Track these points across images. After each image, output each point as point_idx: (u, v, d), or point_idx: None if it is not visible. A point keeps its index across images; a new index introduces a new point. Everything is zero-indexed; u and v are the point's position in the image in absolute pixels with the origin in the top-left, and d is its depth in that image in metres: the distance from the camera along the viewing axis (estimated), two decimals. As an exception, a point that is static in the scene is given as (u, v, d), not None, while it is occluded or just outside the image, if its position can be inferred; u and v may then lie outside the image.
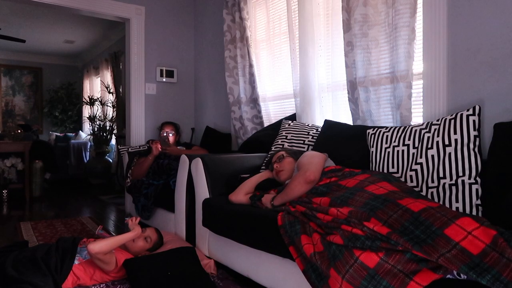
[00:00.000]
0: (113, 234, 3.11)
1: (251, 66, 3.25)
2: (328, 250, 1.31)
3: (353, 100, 2.35)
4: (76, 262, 1.96)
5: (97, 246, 1.87)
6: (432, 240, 1.10)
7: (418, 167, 1.73)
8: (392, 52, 2.14)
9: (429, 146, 1.71)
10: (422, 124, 1.81)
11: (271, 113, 3.26)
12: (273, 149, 2.56)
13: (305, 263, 1.41)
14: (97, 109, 6.78)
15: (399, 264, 1.15)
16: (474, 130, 1.63)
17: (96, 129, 6.40)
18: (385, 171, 1.86)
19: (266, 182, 2.13)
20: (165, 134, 3.34)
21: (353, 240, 1.26)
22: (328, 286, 1.27)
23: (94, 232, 2.98)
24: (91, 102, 6.72)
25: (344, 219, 1.35)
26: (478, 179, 1.57)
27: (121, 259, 2.01)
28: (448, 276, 1.12)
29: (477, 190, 1.56)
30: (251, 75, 3.26)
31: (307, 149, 2.44)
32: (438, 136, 1.70)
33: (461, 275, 1.10)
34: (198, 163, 2.34)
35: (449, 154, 1.64)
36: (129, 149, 3.79)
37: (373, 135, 2.00)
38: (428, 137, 1.73)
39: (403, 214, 1.22)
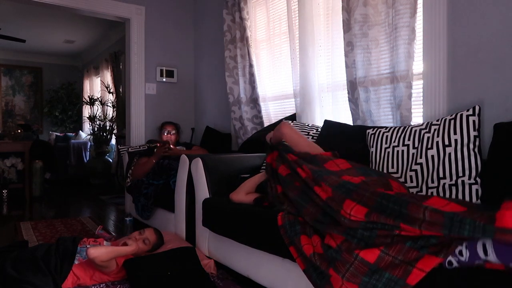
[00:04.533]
0: (113, 234, 3.11)
1: (251, 66, 3.25)
2: (327, 253, 1.32)
3: (353, 100, 2.35)
4: (76, 262, 1.96)
5: (96, 252, 1.87)
6: (406, 209, 1.13)
7: (418, 167, 1.73)
8: (392, 52, 2.14)
9: (429, 146, 1.71)
10: (422, 124, 1.81)
11: (271, 113, 3.26)
12: (273, 149, 2.56)
13: (306, 262, 1.42)
14: (97, 109, 6.78)
15: (400, 255, 1.14)
16: (474, 130, 1.63)
17: (96, 129, 6.40)
18: (385, 171, 1.86)
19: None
20: (167, 136, 3.34)
21: (351, 233, 1.26)
22: (330, 284, 1.27)
23: (94, 232, 2.98)
24: (91, 102, 6.72)
25: (325, 203, 1.39)
26: (478, 180, 1.57)
27: (121, 259, 2.01)
28: (449, 258, 1.09)
29: (477, 190, 1.56)
30: (251, 75, 3.26)
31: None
32: (438, 136, 1.70)
33: (463, 254, 1.06)
34: (198, 163, 2.34)
35: (449, 154, 1.64)
36: (129, 149, 3.79)
37: (373, 135, 2.00)
38: (428, 137, 1.73)
39: (374, 192, 1.27)
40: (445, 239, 1.09)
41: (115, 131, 6.35)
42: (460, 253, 1.06)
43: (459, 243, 1.07)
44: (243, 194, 2.04)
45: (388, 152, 1.88)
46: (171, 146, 3.17)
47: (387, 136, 1.92)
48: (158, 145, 3.14)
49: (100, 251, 1.89)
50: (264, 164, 2.50)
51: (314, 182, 1.52)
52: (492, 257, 1.01)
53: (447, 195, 1.60)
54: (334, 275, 1.25)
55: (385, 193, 1.25)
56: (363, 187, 1.34)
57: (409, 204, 1.13)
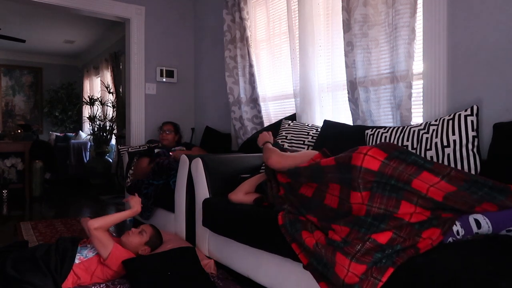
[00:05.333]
0: (114, 234, 3.10)
1: (251, 66, 3.25)
2: (332, 244, 1.31)
3: (353, 100, 2.36)
4: (76, 261, 1.97)
5: (97, 222, 1.97)
6: (431, 164, 1.23)
7: (417, 167, 1.72)
8: (392, 52, 2.14)
9: (428, 147, 1.71)
10: (421, 125, 1.81)
11: (271, 113, 3.26)
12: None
13: (309, 256, 1.41)
14: (97, 109, 6.78)
15: (410, 235, 1.22)
16: (473, 130, 1.63)
17: (96, 129, 6.40)
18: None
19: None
20: (162, 135, 3.36)
21: (359, 223, 1.26)
22: (335, 274, 1.25)
23: (94, 232, 2.98)
24: (91, 102, 6.72)
25: (335, 165, 1.40)
26: (478, 179, 1.57)
27: (120, 254, 2.01)
28: (449, 239, 1.21)
29: (476, 190, 1.56)
30: (251, 75, 3.26)
31: (307, 150, 2.44)
32: (436, 137, 1.70)
33: (459, 233, 1.21)
34: (198, 163, 2.34)
35: (448, 155, 1.64)
36: (129, 149, 3.79)
37: (371, 136, 2.00)
38: (427, 138, 1.73)
39: (391, 145, 1.29)
40: (443, 219, 1.22)
41: (115, 131, 6.35)
42: (457, 233, 1.22)
43: (454, 223, 1.22)
44: (242, 194, 2.04)
45: (388, 152, 1.87)
46: (171, 153, 3.18)
47: (385, 136, 1.92)
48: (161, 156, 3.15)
49: (100, 221, 1.99)
50: (264, 164, 2.50)
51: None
52: (485, 227, 1.20)
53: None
54: (340, 261, 1.24)
55: (403, 147, 1.28)
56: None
57: (435, 163, 1.23)
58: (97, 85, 7.45)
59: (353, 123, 2.41)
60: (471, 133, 1.62)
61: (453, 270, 1.05)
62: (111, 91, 6.36)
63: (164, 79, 4.22)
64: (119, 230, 3.35)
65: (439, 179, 1.21)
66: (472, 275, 1.01)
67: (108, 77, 6.65)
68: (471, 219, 1.21)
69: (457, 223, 1.22)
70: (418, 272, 1.13)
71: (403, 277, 1.16)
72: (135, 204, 2.18)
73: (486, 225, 1.19)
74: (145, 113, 4.15)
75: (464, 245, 1.19)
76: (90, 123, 6.49)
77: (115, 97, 6.33)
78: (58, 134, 7.41)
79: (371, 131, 2.02)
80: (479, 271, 1.01)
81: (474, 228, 1.20)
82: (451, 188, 1.21)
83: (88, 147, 7.01)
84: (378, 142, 1.95)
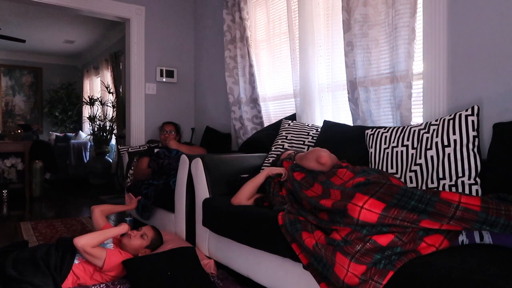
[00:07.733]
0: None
1: (251, 66, 3.25)
2: (332, 244, 1.32)
3: (353, 100, 2.35)
4: (76, 261, 1.97)
5: (83, 239, 1.89)
6: (433, 207, 1.17)
7: (417, 168, 1.73)
8: (392, 52, 2.14)
9: (428, 146, 1.71)
10: (421, 125, 1.81)
11: (271, 113, 3.26)
12: (273, 149, 2.56)
13: (309, 256, 1.41)
14: (97, 109, 6.78)
15: (412, 240, 1.23)
16: (473, 130, 1.63)
17: (96, 129, 6.40)
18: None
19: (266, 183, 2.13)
20: (165, 135, 3.37)
21: (360, 223, 1.27)
22: (335, 274, 1.26)
23: (94, 232, 2.98)
24: (91, 102, 6.72)
25: (332, 208, 1.39)
26: (478, 180, 1.57)
27: (116, 259, 2.00)
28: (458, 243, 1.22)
29: (477, 190, 1.56)
30: (251, 75, 3.26)
31: (307, 150, 2.44)
32: (437, 136, 1.70)
33: (464, 242, 1.21)
34: (198, 163, 2.34)
35: (449, 154, 1.64)
36: (129, 149, 3.79)
37: (371, 136, 1.99)
38: (427, 138, 1.73)
39: (390, 188, 1.26)
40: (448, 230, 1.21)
41: (115, 131, 6.35)
42: (462, 242, 1.24)
43: (461, 233, 1.23)
44: (245, 200, 2.02)
45: (387, 153, 1.88)
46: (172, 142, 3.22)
47: (386, 136, 1.92)
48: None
49: (85, 238, 1.91)
50: (266, 164, 2.50)
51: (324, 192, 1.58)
52: (487, 241, 1.20)
53: (447, 195, 1.60)
54: (340, 260, 1.25)
55: (405, 188, 1.25)
56: (373, 184, 1.31)
57: (437, 203, 1.18)
58: (97, 85, 7.45)
59: (353, 123, 2.41)
60: (471, 133, 1.62)
61: (453, 272, 1.05)
62: (111, 91, 6.36)
63: (164, 79, 4.22)
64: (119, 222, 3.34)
65: (439, 225, 1.19)
66: (473, 277, 1.01)
67: (108, 77, 6.65)
68: (475, 232, 1.23)
69: (463, 232, 1.24)
70: (418, 275, 1.13)
71: (403, 279, 1.16)
72: (124, 225, 2.16)
73: (488, 240, 1.21)
74: (145, 113, 4.15)
75: (465, 250, 1.19)
76: (90, 123, 6.49)
77: (115, 97, 6.33)
78: (58, 134, 7.41)
79: (371, 131, 2.02)
80: (479, 274, 1.01)
81: (477, 240, 1.22)
82: (458, 228, 1.19)
83: (88, 147, 7.01)
84: (377, 142, 1.94)
